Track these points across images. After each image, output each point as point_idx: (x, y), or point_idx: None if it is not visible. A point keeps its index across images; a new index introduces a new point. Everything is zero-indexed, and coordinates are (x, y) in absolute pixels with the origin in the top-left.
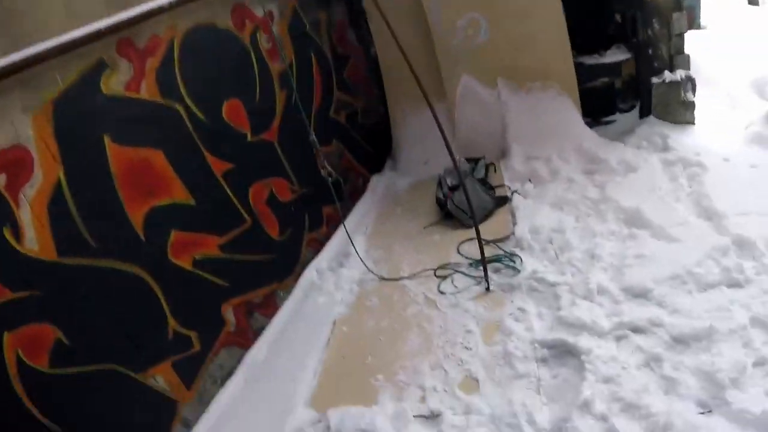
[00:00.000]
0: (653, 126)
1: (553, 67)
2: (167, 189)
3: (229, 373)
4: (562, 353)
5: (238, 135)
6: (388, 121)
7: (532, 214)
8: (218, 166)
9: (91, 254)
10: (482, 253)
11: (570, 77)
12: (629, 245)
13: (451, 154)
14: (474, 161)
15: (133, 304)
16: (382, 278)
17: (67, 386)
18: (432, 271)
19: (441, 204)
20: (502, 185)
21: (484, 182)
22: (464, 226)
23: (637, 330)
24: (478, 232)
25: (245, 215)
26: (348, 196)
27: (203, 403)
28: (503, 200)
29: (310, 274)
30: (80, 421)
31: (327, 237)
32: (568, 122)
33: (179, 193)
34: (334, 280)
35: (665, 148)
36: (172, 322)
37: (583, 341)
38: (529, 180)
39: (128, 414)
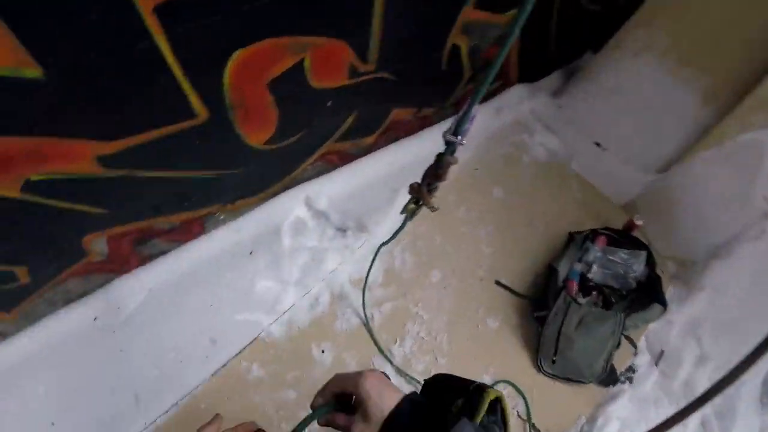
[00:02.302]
0: None
1: None
2: None
3: (82, 295)
4: None
5: None
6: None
7: None
8: None
9: None
10: None
11: None
12: None
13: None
14: (649, 264)
15: None
16: None
17: None
18: None
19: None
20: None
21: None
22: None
23: None
24: None
25: (194, 106)
26: (454, 100)
27: (30, 320)
28: (610, 377)
29: (285, 206)
30: None
31: (366, 151)
32: None
33: (8, 56)
34: (304, 259)
35: None
36: None
37: None
38: (658, 360)
39: None
